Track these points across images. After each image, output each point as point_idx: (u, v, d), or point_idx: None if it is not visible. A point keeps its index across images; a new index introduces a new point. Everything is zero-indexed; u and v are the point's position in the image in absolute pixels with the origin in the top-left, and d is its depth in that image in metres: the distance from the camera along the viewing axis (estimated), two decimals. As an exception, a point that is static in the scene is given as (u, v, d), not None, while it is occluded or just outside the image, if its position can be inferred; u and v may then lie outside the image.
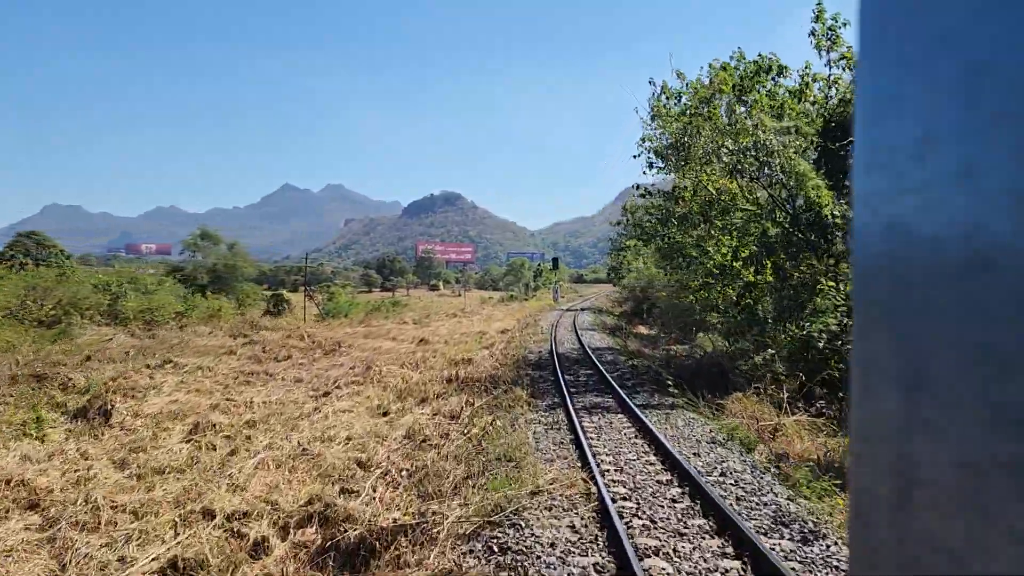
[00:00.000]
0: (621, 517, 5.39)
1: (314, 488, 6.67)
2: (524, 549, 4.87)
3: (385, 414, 9.93)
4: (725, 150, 12.03)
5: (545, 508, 5.64)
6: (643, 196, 14.73)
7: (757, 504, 5.84)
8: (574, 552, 4.85)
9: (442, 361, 16.84)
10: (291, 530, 5.82)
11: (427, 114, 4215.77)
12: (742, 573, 4.53)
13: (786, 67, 12.88)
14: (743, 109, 12.88)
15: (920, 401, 0.42)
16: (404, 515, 5.65)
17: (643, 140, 14.99)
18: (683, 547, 4.92)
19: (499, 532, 5.20)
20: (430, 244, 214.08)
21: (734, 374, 11.32)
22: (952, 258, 0.39)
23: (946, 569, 0.39)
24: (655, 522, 5.42)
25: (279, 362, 17.70)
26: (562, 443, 7.94)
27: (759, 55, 12.92)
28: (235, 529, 5.80)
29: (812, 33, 12.06)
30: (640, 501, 5.92)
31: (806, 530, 5.23)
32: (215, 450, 8.28)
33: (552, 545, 4.94)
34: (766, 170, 11.92)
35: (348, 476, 7.24)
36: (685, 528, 5.32)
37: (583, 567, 4.60)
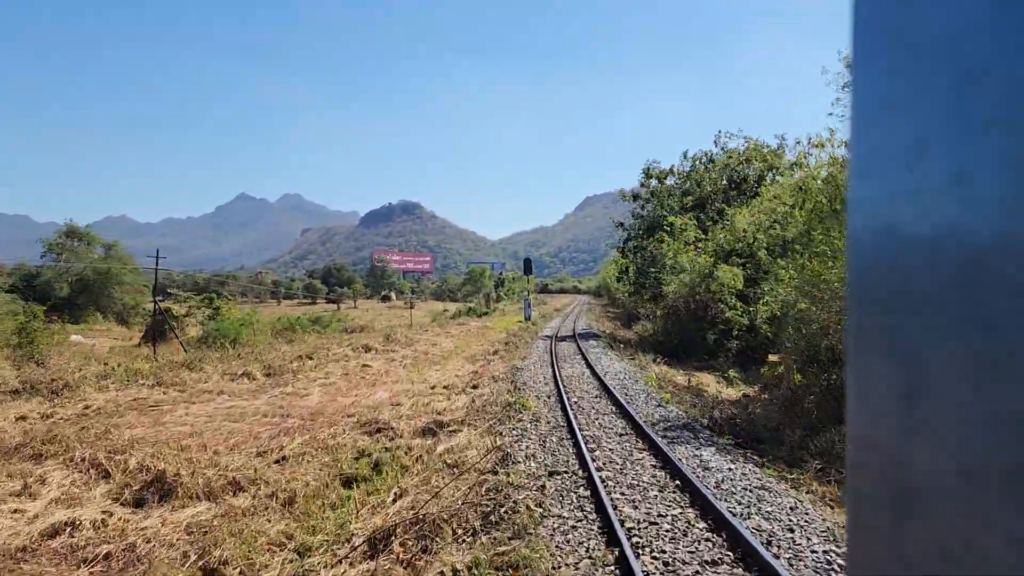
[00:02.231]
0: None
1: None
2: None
3: None
4: None
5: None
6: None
7: None
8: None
9: None
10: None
11: (387, 123, 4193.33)
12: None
13: None
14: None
15: (916, 406, 0.41)
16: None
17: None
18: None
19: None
20: (387, 254, 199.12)
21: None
22: (945, 263, 0.39)
23: (944, 573, 0.39)
24: None
25: None
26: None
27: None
28: None
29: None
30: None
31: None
32: None
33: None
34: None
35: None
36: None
37: None
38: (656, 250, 22.36)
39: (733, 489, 6.00)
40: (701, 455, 7.24)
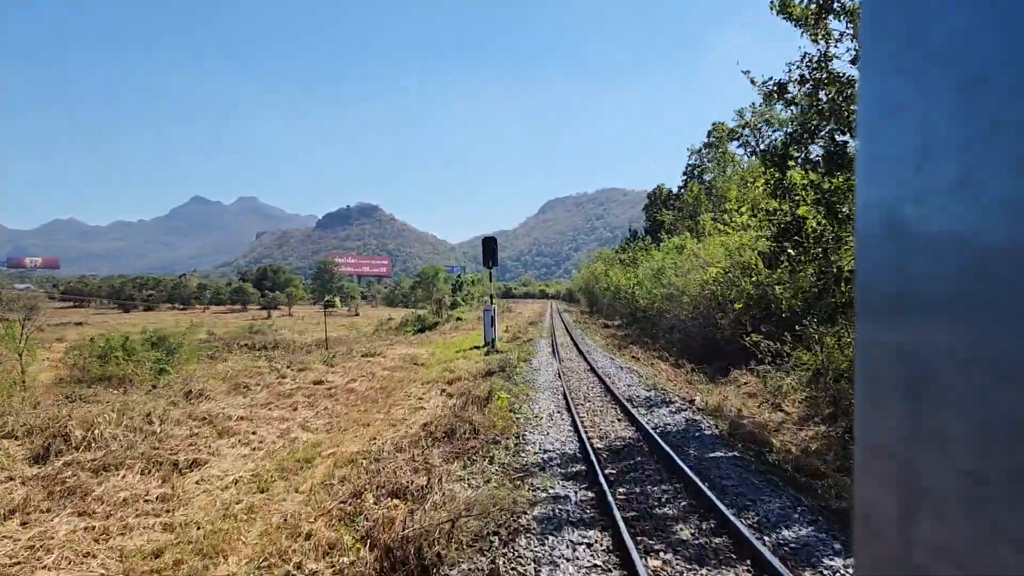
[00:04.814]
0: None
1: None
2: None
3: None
4: None
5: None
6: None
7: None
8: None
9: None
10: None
11: (346, 125, 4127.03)
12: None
13: None
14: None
15: (923, 410, 0.41)
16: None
17: None
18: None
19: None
20: (343, 256, 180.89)
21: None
22: (952, 266, 0.38)
23: None
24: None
25: None
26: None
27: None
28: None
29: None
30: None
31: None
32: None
33: None
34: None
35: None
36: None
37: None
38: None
39: None
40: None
